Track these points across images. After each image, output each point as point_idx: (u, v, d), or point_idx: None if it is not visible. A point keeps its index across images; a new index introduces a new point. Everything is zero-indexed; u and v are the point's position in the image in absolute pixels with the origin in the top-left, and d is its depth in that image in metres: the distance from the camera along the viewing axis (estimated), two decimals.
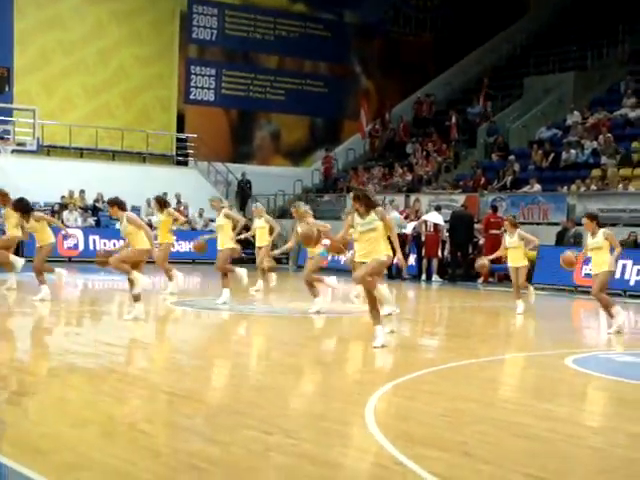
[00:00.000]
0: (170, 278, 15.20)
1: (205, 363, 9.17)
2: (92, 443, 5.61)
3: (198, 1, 32.14)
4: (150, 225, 14.40)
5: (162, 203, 15.66)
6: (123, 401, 6.97)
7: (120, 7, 30.51)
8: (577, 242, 19.86)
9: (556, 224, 21.47)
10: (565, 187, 22.85)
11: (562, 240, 20.44)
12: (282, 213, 30.10)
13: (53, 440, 5.71)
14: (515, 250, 14.13)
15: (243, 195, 30.66)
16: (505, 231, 14.52)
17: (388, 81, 34.99)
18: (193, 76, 32.28)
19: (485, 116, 30.13)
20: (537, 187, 23.26)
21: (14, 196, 25.59)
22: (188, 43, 32.14)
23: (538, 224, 21.94)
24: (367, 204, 9.58)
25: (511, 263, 14.29)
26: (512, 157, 25.75)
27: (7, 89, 26.01)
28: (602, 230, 11.95)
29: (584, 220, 12.24)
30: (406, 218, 23.15)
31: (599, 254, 11.86)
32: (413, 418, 6.56)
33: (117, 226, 25.52)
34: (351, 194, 9.93)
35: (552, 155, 25.16)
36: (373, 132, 33.51)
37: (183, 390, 7.41)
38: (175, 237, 16.66)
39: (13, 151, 24.86)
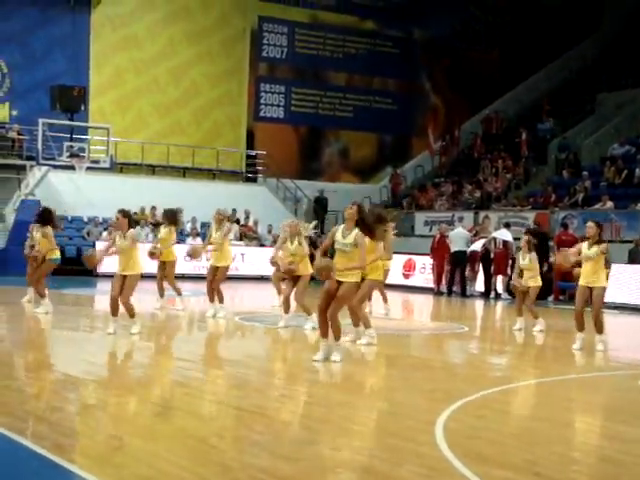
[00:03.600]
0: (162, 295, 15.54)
1: (273, 379, 9.22)
2: (164, 457, 5.69)
3: (268, 20, 32.49)
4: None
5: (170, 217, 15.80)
6: (193, 415, 7.05)
7: (192, 27, 31.03)
8: None
9: (629, 242, 21.07)
10: (639, 204, 22.43)
11: (635, 259, 20.04)
12: None
13: (125, 453, 5.81)
14: (528, 271, 13.89)
15: (318, 213, 30.67)
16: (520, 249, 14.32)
17: (457, 97, 34.86)
18: (263, 94, 32.61)
19: (553, 132, 29.80)
20: (609, 204, 22.88)
21: (87, 212, 26.33)
22: (258, 61, 32.49)
23: (610, 242, 21.53)
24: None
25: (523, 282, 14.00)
26: (585, 173, 25.39)
27: (83, 108, 26.59)
28: (602, 244, 11.45)
29: (590, 224, 11.68)
30: (475, 235, 22.99)
31: (593, 266, 11.42)
32: (483, 437, 6.50)
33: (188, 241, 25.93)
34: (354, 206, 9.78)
35: (625, 172, 24.74)
36: (442, 149, 33.40)
37: (252, 405, 7.47)
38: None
39: (88, 168, 25.37)
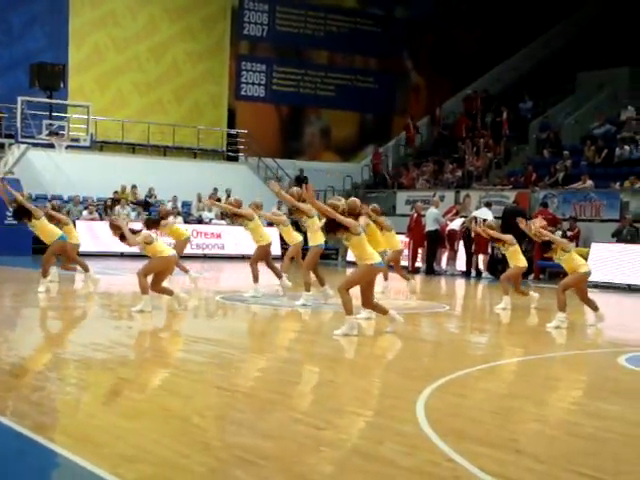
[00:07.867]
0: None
1: (256, 358, 9.23)
2: (146, 435, 5.68)
3: None
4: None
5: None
6: (176, 394, 7.05)
7: (172, 4, 30.78)
8: (633, 240, 19.59)
9: (608, 221, 21.17)
10: (618, 184, 22.54)
11: (619, 238, 20.10)
12: None
13: (107, 432, 5.80)
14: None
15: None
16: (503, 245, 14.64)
17: (439, 76, 34.82)
18: (244, 72, 32.44)
19: (533, 112, 29.86)
20: (589, 183, 22.97)
21: (67, 191, 26.16)
22: (239, 39, 32.30)
23: (590, 221, 21.68)
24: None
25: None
26: (566, 153, 25.45)
27: (62, 86, 26.35)
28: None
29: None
30: (456, 214, 23.06)
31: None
32: (464, 415, 6.54)
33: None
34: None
35: (605, 151, 24.83)
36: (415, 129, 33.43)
37: (235, 385, 7.47)
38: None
39: (67, 147, 25.19)
